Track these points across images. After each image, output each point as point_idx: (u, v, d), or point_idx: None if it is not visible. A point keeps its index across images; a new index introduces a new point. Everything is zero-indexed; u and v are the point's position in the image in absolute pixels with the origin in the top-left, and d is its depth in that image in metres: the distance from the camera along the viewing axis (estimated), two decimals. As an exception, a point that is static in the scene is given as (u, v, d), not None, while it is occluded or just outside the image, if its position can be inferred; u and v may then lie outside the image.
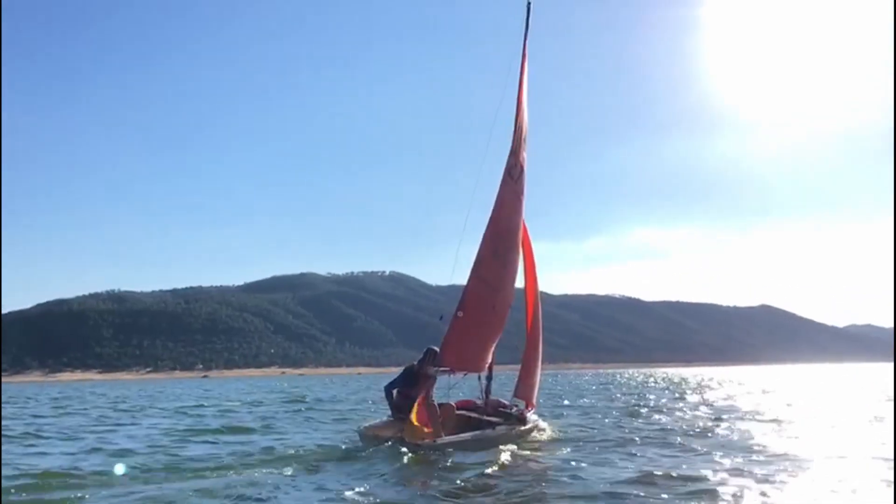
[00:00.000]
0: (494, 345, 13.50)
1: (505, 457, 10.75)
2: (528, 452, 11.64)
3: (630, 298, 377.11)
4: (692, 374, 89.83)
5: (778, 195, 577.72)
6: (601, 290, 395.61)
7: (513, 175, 13.67)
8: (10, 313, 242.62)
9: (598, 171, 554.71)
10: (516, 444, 12.05)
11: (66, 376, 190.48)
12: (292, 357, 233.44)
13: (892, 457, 9.38)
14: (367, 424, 12.94)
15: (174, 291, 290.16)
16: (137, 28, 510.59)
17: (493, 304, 13.25)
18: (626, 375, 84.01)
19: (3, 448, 13.15)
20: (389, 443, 11.42)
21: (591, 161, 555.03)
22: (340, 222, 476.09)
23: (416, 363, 12.91)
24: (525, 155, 14.07)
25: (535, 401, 14.91)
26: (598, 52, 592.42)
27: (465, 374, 13.22)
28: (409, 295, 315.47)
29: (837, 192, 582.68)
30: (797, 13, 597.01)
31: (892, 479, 7.39)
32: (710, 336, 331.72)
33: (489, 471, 9.67)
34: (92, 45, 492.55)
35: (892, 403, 20.12)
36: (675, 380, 57.45)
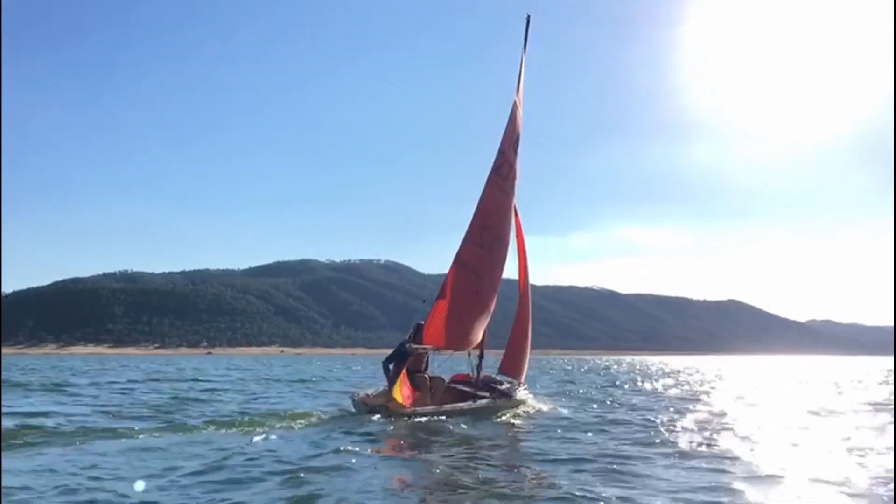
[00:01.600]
0: (481, 327, 13.49)
1: (481, 426, 11.09)
2: (503, 423, 11.82)
3: (608, 291, 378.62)
4: (661, 361, 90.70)
5: (747, 199, 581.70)
6: (582, 282, 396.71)
7: (500, 172, 13.72)
8: (28, 290, 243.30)
9: (585, 172, 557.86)
10: (496, 416, 12.27)
11: (78, 349, 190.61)
12: (291, 337, 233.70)
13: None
14: (361, 393, 13.11)
15: (183, 273, 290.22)
16: (156, 28, 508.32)
17: (478, 290, 13.36)
18: (605, 362, 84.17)
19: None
20: (377, 413, 11.69)
21: (579, 162, 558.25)
22: (340, 213, 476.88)
23: (406, 338, 13.01)
24: (515, 155, 14.09)
25: (523, 377, 14.92)
26: (588, 62, 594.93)
27: (451, 353, 13.26)
28: (402, 282, 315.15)
29: (802, 198, 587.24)
30: (770, 31, 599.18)
31: (893, 480, 7.13)
32: (681, 328, 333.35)
33: (459, 432, 10.21)
34: (112, 44, 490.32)
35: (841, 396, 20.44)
36: (642, 368, 57.63)
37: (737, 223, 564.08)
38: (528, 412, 13.26)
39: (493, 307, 13.78)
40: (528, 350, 15.19)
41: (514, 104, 14.27)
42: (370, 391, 13.37)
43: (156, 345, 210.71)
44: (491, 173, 13.62)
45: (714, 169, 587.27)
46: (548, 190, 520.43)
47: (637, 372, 42.12)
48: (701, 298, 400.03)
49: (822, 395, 19.64)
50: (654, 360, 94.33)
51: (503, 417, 12.34)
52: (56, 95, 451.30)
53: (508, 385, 14.04)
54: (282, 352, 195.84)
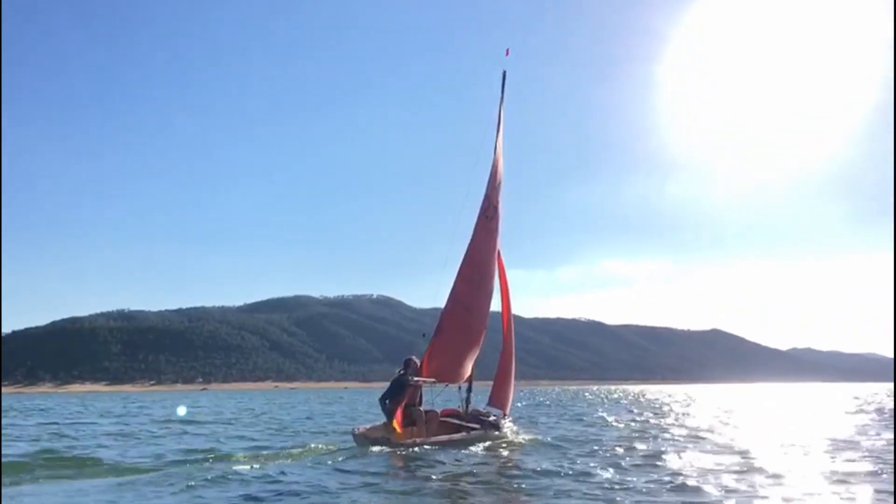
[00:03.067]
0: (472, 360, 14.06)
1: (473, 455, 11.51)
2: (492, 453, 12.00)
3: (595, 322, 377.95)
4: (651, 390, 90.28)
5: (727, 231, 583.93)
6: (569, 314, 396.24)
7: (487, 215, 14.39)
8: (26, 329, 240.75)
9: (569, 207, 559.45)
10: (485, 446, 12.48)
11: (75, 388, 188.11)
12: (286, 372, 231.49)
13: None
14: (360, 428, 13.18)
15: (179, 311, 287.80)
16: (150, 68, 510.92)
17: (470, 325, 13.98)
18: (590, 392, 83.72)
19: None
20: (378, 445, 11.89)
21: (563, 198, 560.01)
22: (333, 250, 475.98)
23: (399, 372, 13.34)
24: (499, 198, 14.76)
25: (508, 409, 15.21)
26: (569, 100, 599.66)
27: (446, 385, 13.70)
28: (394, 316, 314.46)
29: (780, 231, 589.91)
30: (744, 67, 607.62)
31: (893, 483, 7.55)
32: (667, 357, 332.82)
33: (456, 463, 10.54)
34: (108, 85, 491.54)
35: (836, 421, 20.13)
36: (635, 397, 57.16)
37: (718, 254, 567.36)
38: (514, 441, 13.59)
39: (482, 340, 14.34)
40: (513, 384, 15.49)
41: (495, 151, 14.94)
42: (368, 425, 13.50)
43: (152, 382, 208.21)
44: (479, 216, 14.27)
45: (693, 202, 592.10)
46: (534, 225, 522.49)
47: (627, 401, 41.61)
48: (685, 328, 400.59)
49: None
50: (645, 389, 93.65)
51: (492, 446, 12.61)
52: (54, 136, 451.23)
53: (495, 417, 14.36)
54: (276, 387, 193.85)
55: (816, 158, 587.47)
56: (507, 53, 15.79)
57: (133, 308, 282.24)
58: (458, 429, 13.52)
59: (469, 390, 14.30)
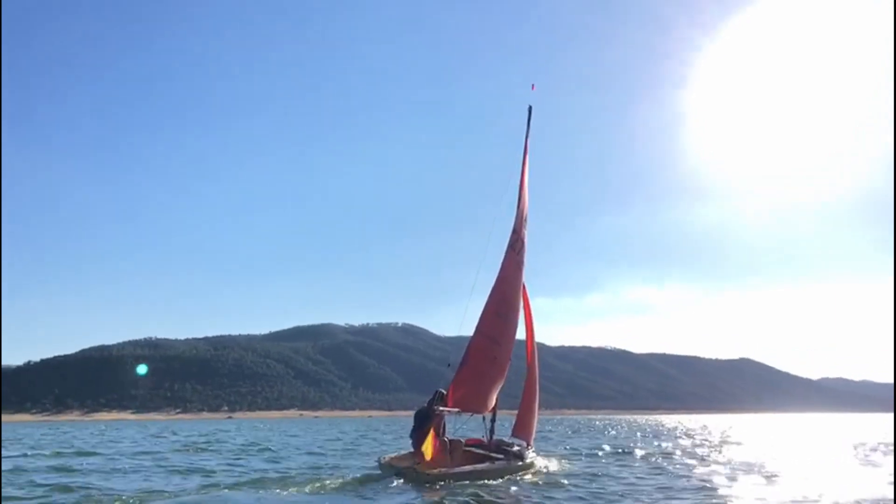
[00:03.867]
0: (497, 391, 14.46)
1: (497, 485, 11.88)
2: (516, 484, 12.33)
3: (622, 350, 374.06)
4: (677, 419, 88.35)
5: (756, 257, 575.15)
6: (596, 342, 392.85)
7: (514, 248, 15.00)
8: (55, 357, 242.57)
9: (596, 235, 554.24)
10: (510, 477, 12.86)
11: (102, 416, 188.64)
12: (310, 400, 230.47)
13: None
14: (386, 456, 13.71)
15: (205, 339, 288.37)
16: (173, 99, 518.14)
17: (495, 356, 14.31)
18: (621, 422, 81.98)
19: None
20: (401, 477, 12.32)
21: (590, 226, 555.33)
22: (358, 278, 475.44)
23: (426, 404, 13.70)
24: (525, 231, 15.35)
25: (532, 440, 15.56)
26: (595, 128, 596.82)
27: (471, 415, 14.10)
28: (419, 345, 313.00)
29: (810, 256, 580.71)
30: (773, 89, 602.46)
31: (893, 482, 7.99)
32: (694, 385, 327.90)
33: (482, 494, 10.73)
34: (133, 117, 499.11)
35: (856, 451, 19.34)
36: (668, 426, 55.64)
37: (746, 281, 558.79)
38: (539, 471, 14.02)
39: (507, 372, 14.72)
40: (537, 415, 15.84)
41: (521, 185, 15.51)
42: (394, 454, 13.98)
43: (178, 410, 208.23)
44: (508, 249, 14.89)
45: (721, 228, 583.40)
46: (561, 253, 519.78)
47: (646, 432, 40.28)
48: (713, 357, 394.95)
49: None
50: (679, 419, 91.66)
51: (518, 477, 12.96)
52: (82, 165, 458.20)
53: (518, 447, 14.62)
54: (300, 415, 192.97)
55: (846, 183, 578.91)
56: (533, 88, 16.39)
57: (160, 336, 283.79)
58: (482, 458, 13.52)
59: (493, 420, 14.64)
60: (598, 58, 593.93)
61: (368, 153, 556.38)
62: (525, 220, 15.30)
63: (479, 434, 14.67)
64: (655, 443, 25.51)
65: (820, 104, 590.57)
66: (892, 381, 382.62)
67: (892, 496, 10.00)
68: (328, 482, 12.53)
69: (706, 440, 28.05)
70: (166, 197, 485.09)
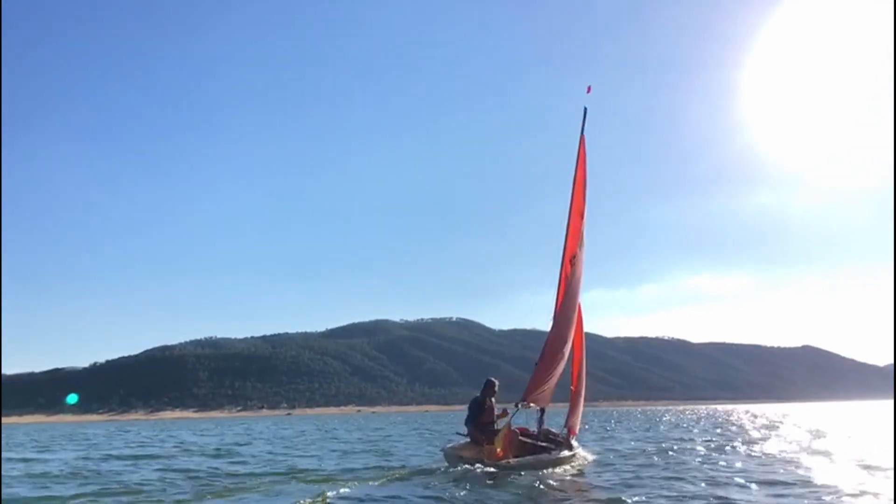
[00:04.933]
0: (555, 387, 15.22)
1: (557, 473, 12.67)
2: (572, 471, 13.30)
3: (679, 340, 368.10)
4: (746, 409, 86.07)
5: (817, 242, 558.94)
6: (653, 333, 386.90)
7: (573, 262, 15.58)
8: (120, 358, 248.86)
9: (653, 224, 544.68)
10: (565, 466, 13.64)
11: (166, 414, 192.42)
12: (368, 396, 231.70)
13: None
14: (450, 446, 14.21)
15: (264, 337, 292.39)
16: (229, 98, 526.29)
17: (564, 353, 15.02)
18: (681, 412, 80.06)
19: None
20: (468, 464, 12.84)
21: (646, 215, 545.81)
22: (412, 274, 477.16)
23: (478, 395, 14.08)
24: (580, 250, 15.77)
25: (577, 430, 16.10)
26: (650, 115, 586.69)
27: (521, 407, 14.21)
28: (473, 339, 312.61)
29: (873, 240, 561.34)
30: (833, 69, 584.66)
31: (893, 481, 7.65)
32: (756, 375, 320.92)
33: (547, 482, 11.29)
34: (188, 120, 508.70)
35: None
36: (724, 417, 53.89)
37: (807, 267, 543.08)
38: (586, 459, 14.91)
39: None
40: (582, 407, 16.59)
41: (574, 192, 15.76)
42: (457, 443, 14.30)
43: (238, 408, 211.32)
44: (563, 263, 15.59)
45: (781, 213, 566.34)
46: (616, 243, 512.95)
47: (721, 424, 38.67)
48: (775, 345, 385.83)
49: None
50: (737, 409, 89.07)
51: (569, 466, 13.79)
52: (143, 167, 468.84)
53: (563, 437, 15.18)
54: (358, 411, 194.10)
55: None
56: (589, 91, 16.37)
57: (220, 335, 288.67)
58: (535, 449, 14.03)
59: (543, 411, 15.08)
60: (651, 40, 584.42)
61: (426, 148, 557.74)
62: (582, 233, 15.86)
63: (523, 422, 14.97)
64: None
65: (882, 84, 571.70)
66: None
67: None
68: (395, 473, 13.16)
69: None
70: (227, 199, 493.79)
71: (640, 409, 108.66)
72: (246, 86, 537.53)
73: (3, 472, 15.17)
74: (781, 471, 12.42)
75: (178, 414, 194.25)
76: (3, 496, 11.11)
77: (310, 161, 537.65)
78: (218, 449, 23.63)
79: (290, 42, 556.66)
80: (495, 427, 13.85)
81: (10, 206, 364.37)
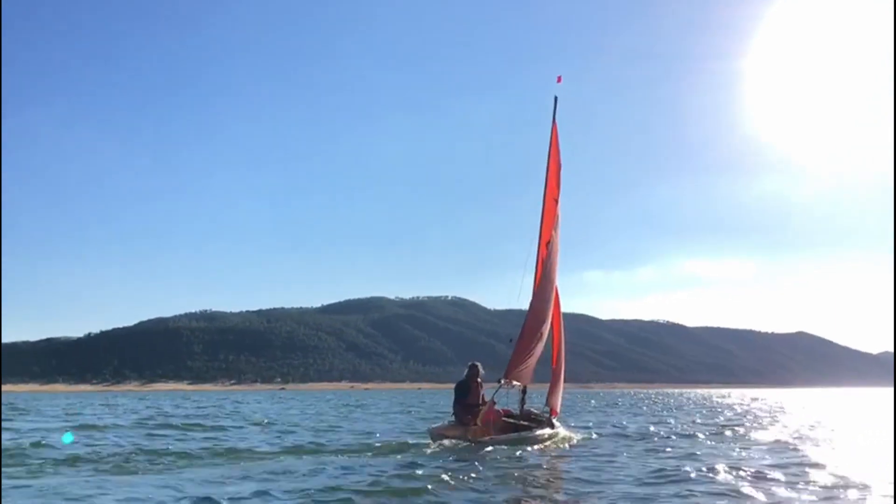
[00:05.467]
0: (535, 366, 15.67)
1: (538, 450, 13.21)
2: (553, 448, 13.89)
3: (674, 324, 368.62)
4: (729, 394, 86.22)
5: (815, 229, 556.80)
6: (648, 316, 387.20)
7: (548, 246, 15.91)
8: (114, 329, 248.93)
9: (651, 207, 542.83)
10: (546, 443, 14.15)
11: (160, 386, 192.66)
12: (361, 373, 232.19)
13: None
14: (434, 426, 15.00)
15: (259, 312, 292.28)
16: (230, 79, 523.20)
17: (542, 333, 15.53)
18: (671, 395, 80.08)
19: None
20: (450, 441, 13.43)
21: (645, 199, 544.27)
22: (408, 251, 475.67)
23: (464, 377, 14.58)
24: (555, 233, 16.11)
25: (558, 409, 16.51)
26: (652, 100, 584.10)
27: (505, 386, 14.75)
28: (469, 318, 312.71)
29: (869, 228, 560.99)
30: (835, 58, 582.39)
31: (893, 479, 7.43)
32: (750, 360, 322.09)
33: (528, 459, 11.88)
34: (191, 77, 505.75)
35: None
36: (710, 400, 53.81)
37: (804, 254, 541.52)
38: (566, 438, 15.27)
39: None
40: (562, 387, 16.85)
41: (546, 183, 16.08)
42: (441, 424, 15.04)
43: (232, 381, 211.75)
44: (554, 229, 16.10)
45: (780, 200, 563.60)
46: (614, 226, 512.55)
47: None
48: (769, 331, 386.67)
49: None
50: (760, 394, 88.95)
51: (548, 444, 14.19)
52: (134, 137, 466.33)
53: (546, 415, 15.68)
54: (352, 387, 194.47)
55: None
56: (559, 80, 16.65)
57: (215, 309, 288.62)
58: (517, 428, 14.56)
59: (524, 391, 15.57)
60: (655, 27, 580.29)
61: (422, 126, 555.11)
62: (556, 223, 16.13)
63: (505, 404, 15.50)
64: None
65: (885, 73, 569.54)
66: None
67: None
68: (379, 448, 13.63)
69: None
70: (222, 171, 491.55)
71: (632, 392, 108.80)
72: (246, 60, 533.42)
73: None
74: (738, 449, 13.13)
75: (171, 386, 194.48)
76: None
77: (308, 137, 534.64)
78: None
79: (288, 21, 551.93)
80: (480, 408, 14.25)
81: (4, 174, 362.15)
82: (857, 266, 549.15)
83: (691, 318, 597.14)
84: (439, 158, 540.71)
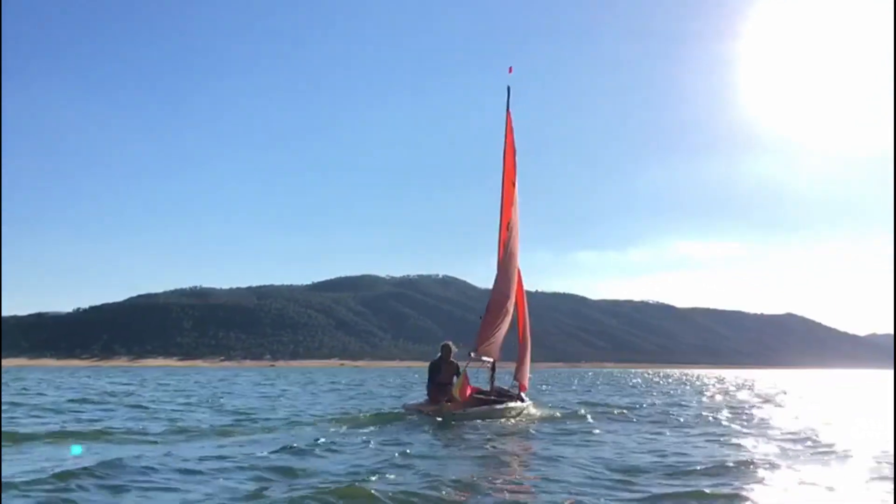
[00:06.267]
0: (503, 340, 16.08)
1: (506, 423, 13.80)
2: (520, 421, 14.40)
3: (664, 304, 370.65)
4: (717, 374, 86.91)
5: (805, 211, 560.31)
6: (638, 296, 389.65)
7: (509, 227, 16.46)
8: (104, 304, 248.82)
9: (643, 188, 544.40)
10: (514, 417, 14.71)
11: (149, 362, 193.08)
12: (351, 351, 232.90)
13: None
14: (409, 402, 15.74)
15: (249, 288, 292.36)
16: (225, 60, 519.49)
17: (508, 309, 16.08)
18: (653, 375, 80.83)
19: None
20: (421, 415, 13.81)
21: (636, 179, 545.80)
22: (399, 230, 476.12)
23: (437, 357, 15.20)
24: (513, 212, 16.62)
25: (527, 385, 17.00)
26: (643, 78, 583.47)
27: (482, 363, 15.49)
28: (458, 296, 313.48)
29: (858, 210, 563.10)
30: (828, 41, 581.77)
31: (893, 479, 7.22)
32: (738, 341, 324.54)
33: (493, 430, 12.37)
34: (182, 77, 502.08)
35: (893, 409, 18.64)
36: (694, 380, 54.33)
37: (794, 236, 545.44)
38: (531, 414, 15.61)
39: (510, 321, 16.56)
40: (529, 363, 17.36)
41: (504, 170, 16.59)
42: (414, 401, 15.86)
43: (221, 357, 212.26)
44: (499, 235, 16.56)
45: (771, 181, 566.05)
46: (605, 206, 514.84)
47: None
48: (758, 312, 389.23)
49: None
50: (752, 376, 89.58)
51: (518, 418, 14.70)
52: (127, 113, 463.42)
53: (515, 390, 16.30)
54: (342, 364, 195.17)
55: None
56: (510, 71, 17.14)
57: (205, 285, 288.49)
58: (487, 404, 14.96)
59: (493, 369, 15.99)
60: (646, 7, 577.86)
61: (411, 104, 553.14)
62: (514, 203, 16.57)
63: (476, 383, 15.79)
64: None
65: (882, 52, 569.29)
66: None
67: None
68: (350, 419, 13.78)
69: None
70: (214, 147, 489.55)
71: (619, 371, 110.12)
72: (241, 43, 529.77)
73: None
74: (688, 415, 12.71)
75: (160, 362, 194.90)
76: None
77: (301, 115, 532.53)
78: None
79: (280, 3, 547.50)
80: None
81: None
82: (845, 248, 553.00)
83: (681, 299, 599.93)
84: (430, 137, 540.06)
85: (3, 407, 16.82)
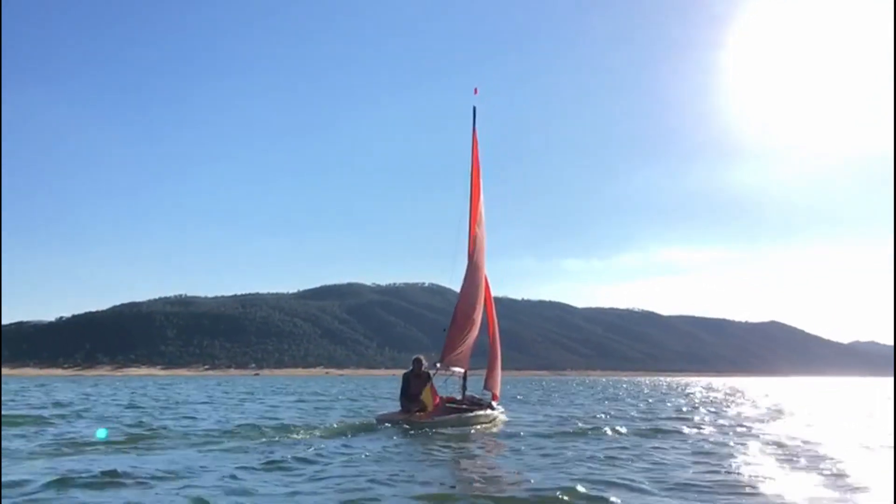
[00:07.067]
0: (471, 350, 16.44)
1: (474, 431, 14.07)
2: (488, 428, 14.93)
3: (649, 312, 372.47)
4: (698, 382, 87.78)
5: (789, 219, 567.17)
6: (623, 304, 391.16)
7: (475, 241, 17.29)
8: (87, 313, 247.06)
9: (626, 194, 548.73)
10: (484, 424, 15.18)
11: (132, 371, 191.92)
12: (336, 359, 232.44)
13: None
14: (380, 413, 15.89)
15: (234, 297, 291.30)
16: (212, 59, 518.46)
17: (475, 319, 16.46)
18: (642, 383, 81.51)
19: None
20: (393, 424, 14.13)
21: (620, 186, 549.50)
22: (385, 238, 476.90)
23: (409, 370, 15.62)
24: (479, 230, 17.43)
25: (498, 394, 17.40)
26: (629, 86, 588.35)
27: (450, 374, 16.10)
28: (445, 304, 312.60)
29: (842, 219, 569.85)
30: (812, 50, 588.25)
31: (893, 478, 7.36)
32: (723, 348, 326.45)
33: (462, 438, 12.73)
34: (170, 76, 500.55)
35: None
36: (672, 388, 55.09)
37: (778, 244, 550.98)
38: (503, 421, 16.21)
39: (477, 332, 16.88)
40: (499, 372, 17.69)
41: (472, 189, 17.33)
42: (385, 412, 15.97)
43: (206, 366, 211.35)
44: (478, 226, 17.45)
45: (756, 189, 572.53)
46: (589, 213, 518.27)
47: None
48: (742, 319, 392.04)
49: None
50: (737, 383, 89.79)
51: (490, 426, 15.24)
52: (113, 123, 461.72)
53: (487, 403, 16.57)
54: (327, 373, 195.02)
55: (885, 142, 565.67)
56: (476, 92, 17.75)
57: (190, 293, 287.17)
58: (457, 412, 15.38)
59: (465, 378, 16.45)
60: (634, 16, 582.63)
61: (398, 112, 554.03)
62: (479, 223, 17.26)
63: (448, 393, 16.30)
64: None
65: (859, 61, 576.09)
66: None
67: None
68: (321, 430, 13.81)
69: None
70: (198, 156, 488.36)
71: (605, 379, 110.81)
72: (223, 51, 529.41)
73: None
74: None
75: (144, 371, 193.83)
76: None
77: (286, 123, 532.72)
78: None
79: (268, 11, 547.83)
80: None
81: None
82: (830, 256, 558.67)
83: (666, 306, 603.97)
84: (416, 145, 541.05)
85: None
